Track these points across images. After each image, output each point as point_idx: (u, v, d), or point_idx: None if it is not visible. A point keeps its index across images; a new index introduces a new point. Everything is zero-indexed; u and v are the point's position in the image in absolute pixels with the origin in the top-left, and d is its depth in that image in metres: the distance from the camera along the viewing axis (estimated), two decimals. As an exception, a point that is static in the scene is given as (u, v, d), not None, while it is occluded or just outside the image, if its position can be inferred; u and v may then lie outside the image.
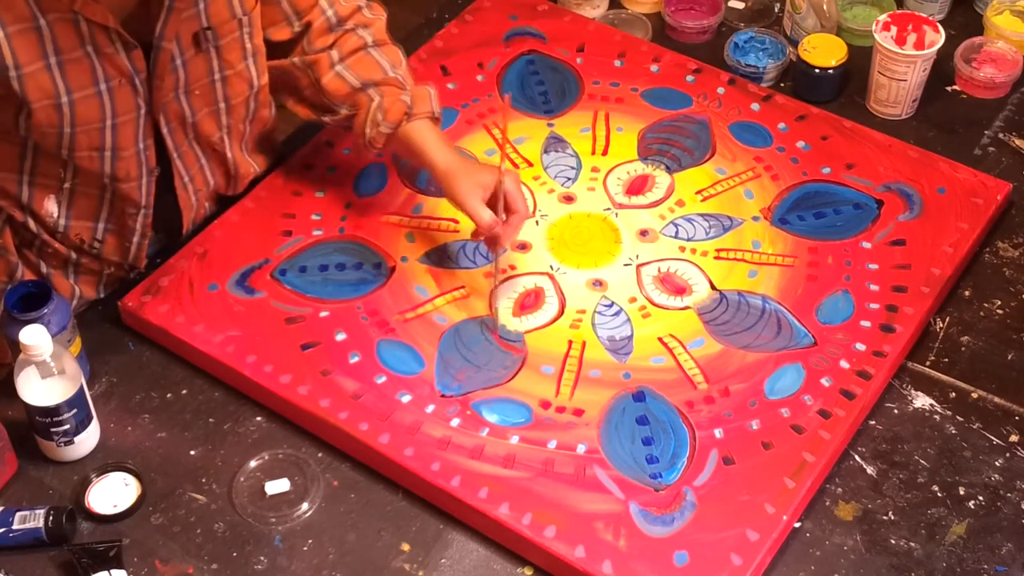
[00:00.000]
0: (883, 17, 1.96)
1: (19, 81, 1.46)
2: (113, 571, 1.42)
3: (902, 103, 1.96)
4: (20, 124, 1.51)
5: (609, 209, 1.80)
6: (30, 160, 1.57)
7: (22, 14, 1.44)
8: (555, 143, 1.89)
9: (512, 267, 1.71)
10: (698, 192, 1.82)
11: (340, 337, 1.63)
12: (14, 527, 1.45)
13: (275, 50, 1.73)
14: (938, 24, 1.95)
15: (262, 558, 1.46)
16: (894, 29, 1.95)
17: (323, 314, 1.66)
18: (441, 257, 1.73)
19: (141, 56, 1.52)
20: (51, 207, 1.62)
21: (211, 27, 1.57)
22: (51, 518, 1.45)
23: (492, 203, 1.63)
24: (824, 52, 1.98)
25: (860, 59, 2.00)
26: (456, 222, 1.76)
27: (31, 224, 1.63)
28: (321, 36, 1.72)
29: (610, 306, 1.68)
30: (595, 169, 1.85)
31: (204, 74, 1.61)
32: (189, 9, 1.54)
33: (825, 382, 1.58)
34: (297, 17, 1.71)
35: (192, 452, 1.55)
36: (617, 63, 2.00)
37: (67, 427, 1.50)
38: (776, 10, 2.15)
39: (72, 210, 1.63)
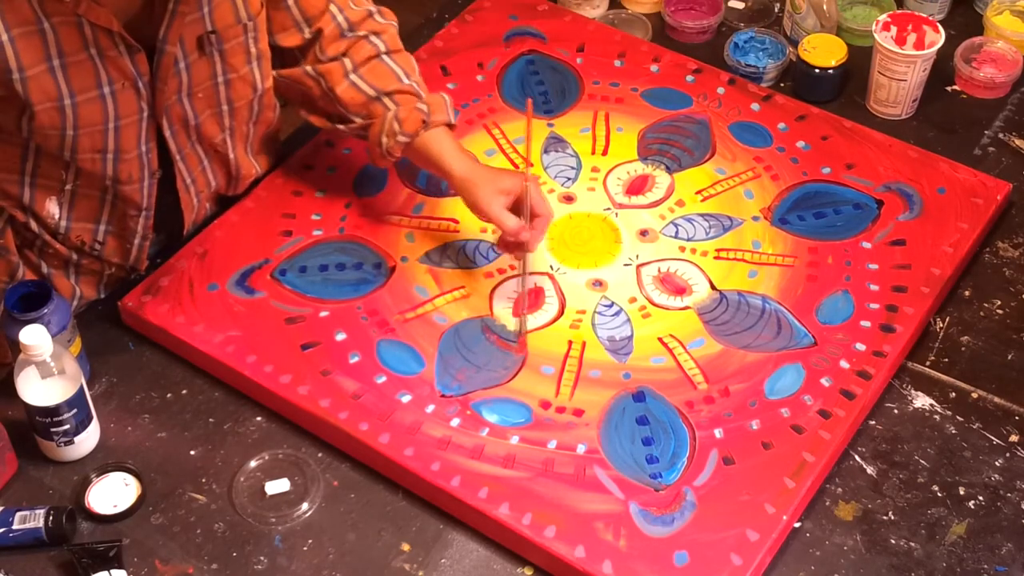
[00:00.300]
0: (883, 17, 1.96)
1: (22, 84, 1.46)
2: (113, 571, 1.42)
3: (902, 103, 1.96)
4: (22, 126, 1.51)
5: (609, 209, 1.80)
6: (32, 161, 1.57)
7: (26, 17, 1.43)
8: (555, 143, 1.89)
9: (512, 267, 1.71)
10: (698, 192, 1.82)
11: (340, 337, 1.63)
12: (14, 527, 1.45)
13: (287, 57, 1.72)
14: (938, 24, 1.95)
15: (262, 558, 1.46)
16: (894, 29, 1.95)
17: (323, 314, 1.66)
18: (441, 257, 1.73)
19: (144, 59, 1.52)
20: (52, 208, 1.61)
21: (215, 31, 1.57)
22: (51, 518, 1.45)
23: (514, 208, 1.62)
24: (824, 52, 1.98)
25: (860, 59, 2.00)
26: (456, 222, 1.76)
27: (32, 225, 1.63)
28: (333, 43, 1.71)
29: (610, 306, 1.68)
30: (595, 169, 1.85)
31: (207, 77, 1.61)
32: (193, 13, 1.53)
33: (825, 382, 1.58)
34: (307, 23, 1.70)
35: (192, 452, 1.55)
36: (617, 63, 2.00)
37: (67, 427, 1.50)
38: (776, 10, 2.15)
39: (73, 212, 1.63)
